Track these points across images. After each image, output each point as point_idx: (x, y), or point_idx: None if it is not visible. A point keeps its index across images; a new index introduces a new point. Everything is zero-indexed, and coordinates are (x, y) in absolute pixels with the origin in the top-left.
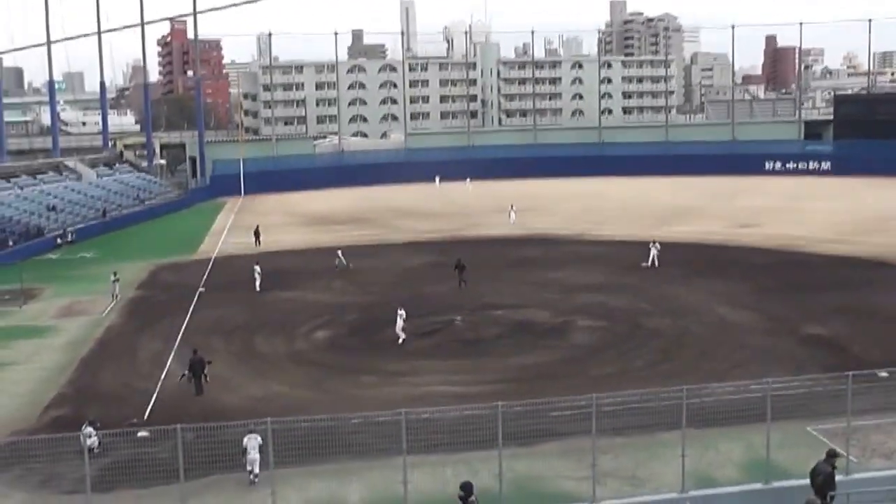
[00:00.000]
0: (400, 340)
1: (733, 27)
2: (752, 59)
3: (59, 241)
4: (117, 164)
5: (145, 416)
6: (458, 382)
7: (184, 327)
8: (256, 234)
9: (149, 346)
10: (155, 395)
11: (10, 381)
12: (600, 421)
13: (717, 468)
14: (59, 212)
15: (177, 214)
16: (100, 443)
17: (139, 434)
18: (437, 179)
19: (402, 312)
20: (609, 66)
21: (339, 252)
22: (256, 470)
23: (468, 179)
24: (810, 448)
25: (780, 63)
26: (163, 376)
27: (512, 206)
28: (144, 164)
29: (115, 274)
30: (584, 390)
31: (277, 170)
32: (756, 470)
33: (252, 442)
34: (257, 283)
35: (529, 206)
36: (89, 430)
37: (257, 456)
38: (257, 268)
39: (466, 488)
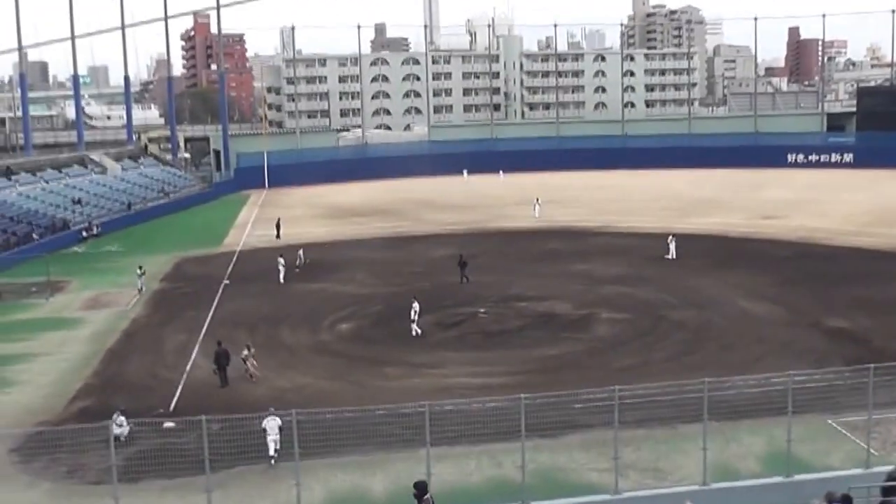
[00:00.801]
0: (413, 334)
1: (756, 19)
2: (774, 52)
3: (84, 234)
4: (142, 158)
5: (171, 407)
6: (482, 374)
7: (209, 319)
8: (277, 226)
9: (174, 338)
10: (181, 387)
11: (37, 372)
12: (622, 413)
13: (738, 461)
14: (84, 205)
15: (201, 207)
16: (130, 431)
17: (165, 425)
18: (466, 172)
19: (416, 306)
20: (632, 58)
21: (301, 251)
22: (276, 446)
23: (501, 172)
24: (832, 441)
25: (802, 55)
26: (188, 367)
27: (538, 200)
28: (169, 157)
29: (140, 268)
30: (607, 382)
31: (301, 162)
32: (777, 463)
33: (271, 423)
34: (281, 276)
35: (553, 199)
36: (121, 419)
37: (277, 436)
38: (281, 259)
39: (420, 487)
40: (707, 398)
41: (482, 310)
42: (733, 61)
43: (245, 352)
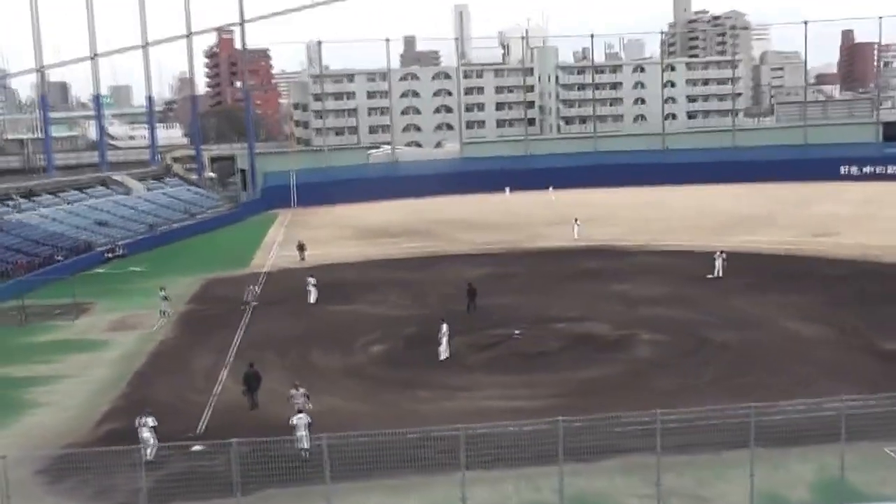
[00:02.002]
0: (441, 358)
1: (806, 23)
2: (826, 57)
3: (108, 255)
4: (166, 178)
5: (200, 430)
6: (518, 397)
7: (237, 341)
8: (300, 248)
9: (202, 360)
10: (209, 409)
11: (64, 394)
12: (664, 438)
13: (787, 489)
14: (108, 226)
15: (228, 228)
16: (155, 430)
17: (194, 448)
18: (508, 190)
19: (444, 328)
20: (672, 68)
21: (252, 287)
22: (307, 445)
23: (551, 188)
24: (888, 470)
25: (856, 60)
26: (217, 390)
27: (576, 220)
28: (194, 177)
29: (162, 290)
30: (647, 406)
31: (330, 181)
32: (829, 492)
33: (300, 422)
34: (311, 297)
35: (590, 216)
36: (150, 420)
37: (305, 433)
38: (312, 280)
39: None
40: (754, 423)
41: (517, 331)
42: (781, 68)
43: (293, 391)
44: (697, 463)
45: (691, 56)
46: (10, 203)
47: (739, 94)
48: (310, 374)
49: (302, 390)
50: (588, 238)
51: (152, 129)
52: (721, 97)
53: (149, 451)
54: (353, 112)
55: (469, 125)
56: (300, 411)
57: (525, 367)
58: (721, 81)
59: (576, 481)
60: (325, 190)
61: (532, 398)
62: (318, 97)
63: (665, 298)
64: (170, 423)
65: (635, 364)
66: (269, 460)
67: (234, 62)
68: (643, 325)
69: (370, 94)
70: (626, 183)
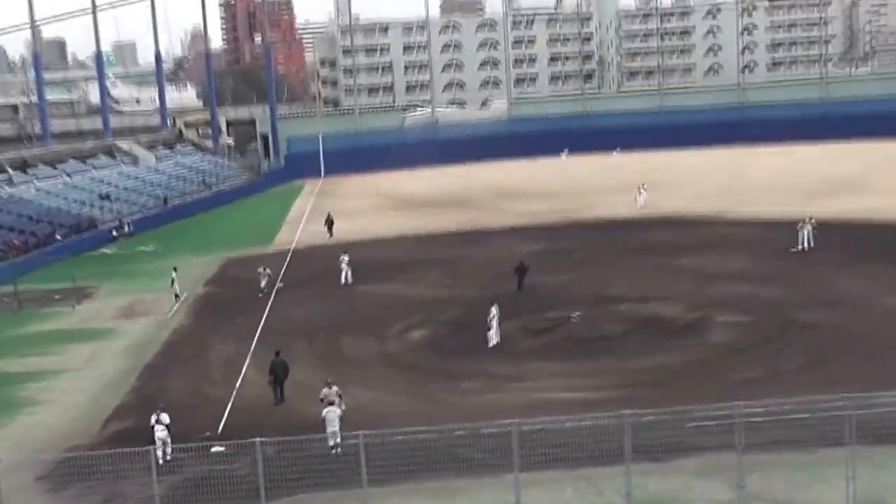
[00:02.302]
0: (491, 344)
1: None
2: None
3: (114, 233)
4: (178, 146)
5: (220, 429)
6: (577, 388)
7: (260, 327)
8: (328, 222)
9: (221, 350)
10: (230, 405)
11: (67, 391)
12: (746, 434)
13: (893, 493)
14: (113, 201)
15: (248, 200)
16: (170, 430)
17: (213, 449)
18: (565, 153)
19: (494, 310)
20: (751, 11)
21: (265, 269)
22: (337, 439)
23: (616, 151)
24: None
25: None
26: (238, 384)
27: (642, 186)
28: (209, 144)
29: (175, 270)
30: (725, 397)
31: (362, 147)
32: None
33: (331, 415)
34: (344, 276)
35: (657, 182)
36: (164, 416)
37: (337, 427)
38: (345, 257)
39: None
40: (852, 417)
41: (576, 313)
42: (882, 5)
43: (325, 389)
44: (786, 462)
45: None
46: (3, 176)
47: (830, 40)
48: (342, 364)
49: (335, 388)
50: (655, 207)
51: (161, 91)
52: (809, 43)
53: (163, 452)
54: (387, 68)
55: (518, 81)
56: (331, 403)
57: (584, 354)
58: (809, 25)
59: (645, 483)
60: (356, 156)
61: (593, 389)
62: (347, 52)
63: (744, 274)
64: (186, 422)
65: (710, 350)
66: (298, 462)
67: (252, 14)
68: (719, 306)
69: (406, 48)
70: (698, 144)
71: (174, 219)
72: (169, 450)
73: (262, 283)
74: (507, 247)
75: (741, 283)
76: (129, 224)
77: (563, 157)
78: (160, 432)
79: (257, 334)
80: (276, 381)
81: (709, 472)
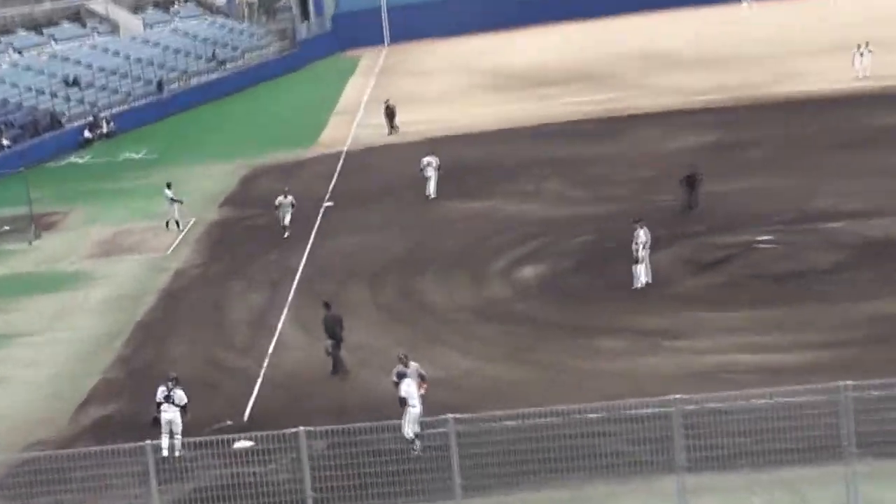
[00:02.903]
0: (638, 284)
1: None
2: None
3: (87, 134)
4: (176, 5)
5: (246, 415)
6: (766, 347)
7: (301, 268)
8: (388, 113)
9: (244, 301)
10: (259, 381)
11: (26, 363)
12: None
13: None
14: (84, 88)
15: (280, 82)
16: (185, 412)
17: (238, 444)
18: (748, 1)
19: (641, 235)
20: None
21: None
22: (418, 429)
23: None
24: None
25: None
26: (270, 349)
27: (864, 46)
28: (221, 0)
29: (169, 187)
30: None
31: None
32: None
33: (409, 391)
34: (431, 188)
35: (883, 40)
36: (179, 392)
37: (419, 410)
38: (432, 161)
39: None
40: None
41: (764, 237)
42: None
43: (399, 366)
44: None
45: None
46: None
47: None
48: (420, 318)
49: (414, 365)
50: (882, 76)
51: None
52: None
53: (170, 444)
54: None
55: None
56: (401, 376)
57: (778, 297)
58: None
59: (873, 490)
60: (434, 15)
61: (791, 348)
62: None
63: None
64: (197, 406)
65: None
66: (361, 461)
67: None
68: None
69: None
70: None
71: (173, 111)
72: (178, 443)
73: (284, 218)
74: (657, 141)
75: None
76: (107, 121)
77: (744, 4)
78: (169, 413)
79: (297, 277)
80: (336, 345)
81: None
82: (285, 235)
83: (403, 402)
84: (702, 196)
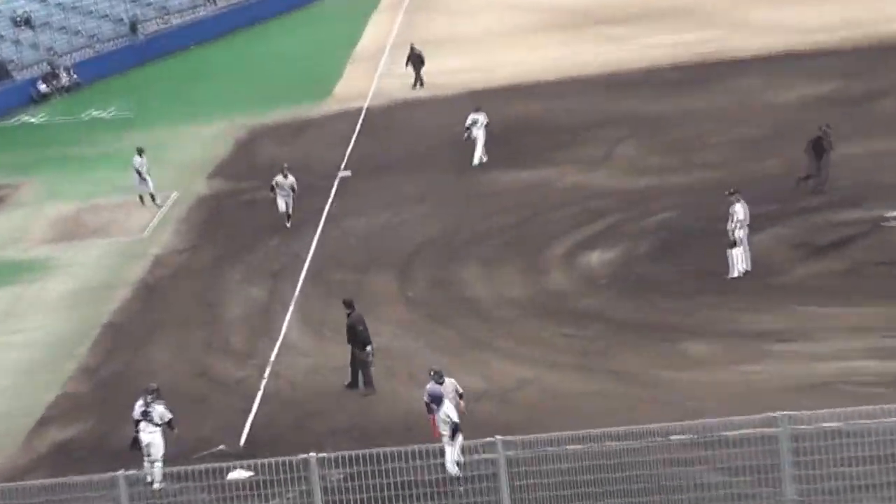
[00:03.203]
0: (735, 273)
1: None
2: None
3: (43, 87)
4: None
5: (242, 439)
6: None
7: (311, 254)
8: (414, 60)
9: (241, 296)
10: (259, 396)
11: None
12: None
13: None
14: (38, 28)
15: (285, 20)
16: (170, 427)
17: (233, 475)
18: None
19: (738, 210)
20: None
21: (285, 172)
22: (459, 458)
23: None
24: None
25: None
26: (273, 355)
27: None
28: None
29: (140, 154)
30: None
31: None
32: None
33: (446, 414)
34: (477, 152)
35: None
36: (159, 407)
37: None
38: (479, 118)
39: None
40: None
41: (895, 213)
42: None
43: (432, 384)
44: None
45: None
46: None
47: None
48: (462, 315)
49: (451, 382)
50: None
51: None
52: None
53: (151, 472)
54: None
55: None
56: (435, 397)
57: None
58: None
59: None
60: None
61: None
62: None
63: None
64: (184, 426)
65: None
66: (386, 496)
67: None
68: None
69: None
70: None
71: (151, 58)
72: (158, 473)
73: (283, 205)
74: (759, 93)
75: None
76: (68, 70)
77: None
78: (148, 434)
79: (306, 265)
80: (358, 351)
81: None
82: (287, 224)
83: (455, 431)
84: (831, 165)
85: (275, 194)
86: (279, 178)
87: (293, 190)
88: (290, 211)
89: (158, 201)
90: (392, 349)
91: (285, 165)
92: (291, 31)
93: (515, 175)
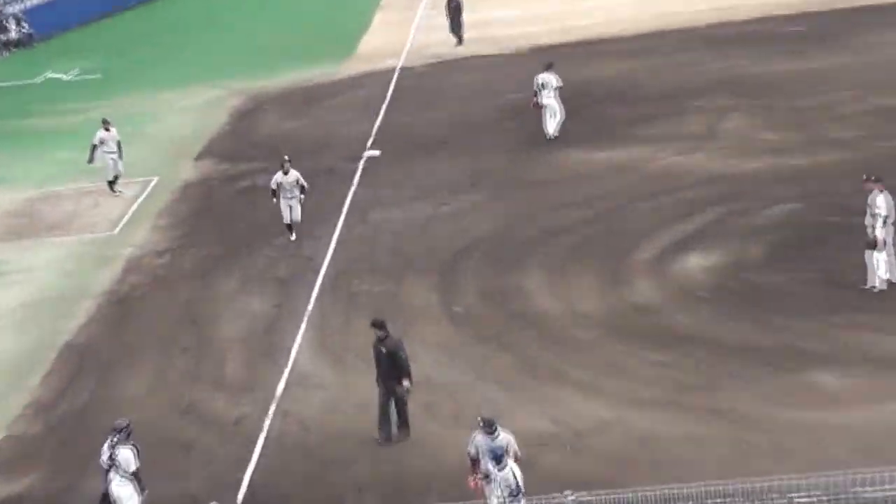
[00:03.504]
0: (877, 282)
1: None
2: None
3: None
4: None
5: (240, 497)
6: None
7: (329, 256)
8: (453, 8)
9: (238, 310)
10: (261, 440)
11: None
12: None
13: None
14: None
15: None
16: (138, 480)
17: None
18: None
19: (881, 201)
20: None
21: (286, 164)
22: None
23: None
24: None
25: None
26: (279, 388)
27: None
28: None
29: (106, 126)
30: None
31: None
32: None
33: (505, 476)
34: (548, 123)
35: None
36: (127, 452)
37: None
38: (552, 79)
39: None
40: None
41: None
42: None
43: (477, 434)
44: None
45: None
46: None
47: None
48: (522, 335)
49: (507, 436)
50: None
51: None
52: None
53: None
54: None
55: None
56: (493, 454)
57: None
58: None
59: None
60: None
61: None
62: None
63: None
64: (161, 481)
65: None
66: None
67: None
68: None
69: None
70: None
71: (124, 5)
72: None
73: (288, 212)
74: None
75: None
76: (18, 20)
77: None
78: (115, 486)
79: (322, 271)
80: (389, 393)
81: None
82: (292, 238)
83: (517, 496)
84: None
85: (277, 199)
86: (279, 175)
87: (302, 189)
88: (299, 218)
89: (117, 188)
90: (432, 380)
91: (286, 158)
92: None
93: (592, 156)
